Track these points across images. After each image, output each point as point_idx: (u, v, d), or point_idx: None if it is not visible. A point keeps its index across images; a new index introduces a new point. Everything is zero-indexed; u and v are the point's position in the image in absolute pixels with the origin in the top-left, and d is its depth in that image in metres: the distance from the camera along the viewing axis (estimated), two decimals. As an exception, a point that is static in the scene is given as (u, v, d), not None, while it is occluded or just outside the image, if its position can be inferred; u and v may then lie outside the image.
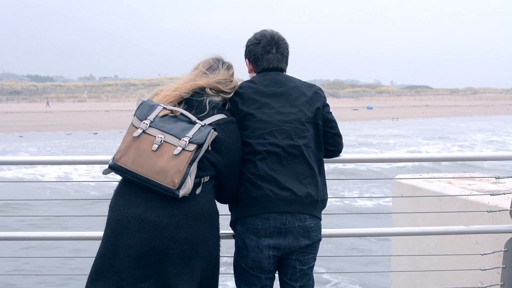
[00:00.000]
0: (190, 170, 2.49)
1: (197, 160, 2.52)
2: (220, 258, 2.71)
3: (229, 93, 2.82)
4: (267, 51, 2.91)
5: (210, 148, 2.59)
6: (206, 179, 2.62)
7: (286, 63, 2.99)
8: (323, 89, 3.03)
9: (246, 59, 2.99)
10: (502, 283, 3.45)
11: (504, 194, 3.58)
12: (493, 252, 3.48)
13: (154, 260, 2.47)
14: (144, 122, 2.54)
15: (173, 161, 2.47)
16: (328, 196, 2.90)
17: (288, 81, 2.90)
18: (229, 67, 2.86)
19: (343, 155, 3.08)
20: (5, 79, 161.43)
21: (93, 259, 2.55)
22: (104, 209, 2.68)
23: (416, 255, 4.48)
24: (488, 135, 36.28)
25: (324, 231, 2.87)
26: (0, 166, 19.62)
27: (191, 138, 2.51)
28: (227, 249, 2.88)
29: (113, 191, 2.62)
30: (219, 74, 2.79)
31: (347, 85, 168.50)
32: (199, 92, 2.72)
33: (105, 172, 2.62)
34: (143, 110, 2.59)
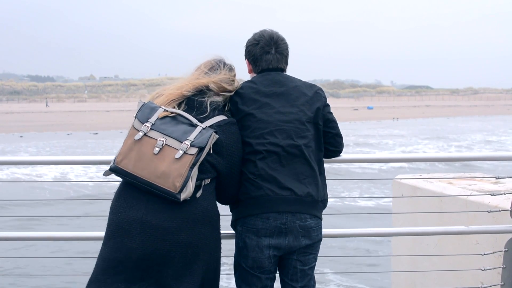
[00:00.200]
0: (192, 174, 2.49)
1: (198, 163, 2.52)
2: (221, 258, 2.71)
3: (232, 91, 2.81)
4: (266, 51, 2.91)
5: (211, 151, 2.59)
6: (207, 181, 2.61)
7: (286, 63, 2.98)
8: (324, 89, 3.03)
9: (246, 60, 2.99)
10: (503, 283, 3.45)
11: (504, 194, 3.58)
12: (493, 252, 3.48)
13: (155, 263, 2.47)
14: (145, 125, 2.54)
15: (174, 165, 2.46)
16: (328, 196, 2.90)
17: (289, 81, 2.90)
18: (231, 68, 2.87)
19: (343, 155, 3.08)
20: (5, 79, 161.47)
21: (94, 260, 2.55)
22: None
23: (416, 255, 4.48)
24: (486, 135, 36.29)
25: (324, 231, 2.87)
26: None
27: (192, 142, 2.50)
28: (227, 250, 2.88)
29: (108, 191, 2.62)
30: (221, 74, 2.79)
31: (347, 85, 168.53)
32: (202, 91, 2.72)
33: (106, 174, 2.62)
34: (144, 113, 2.59)
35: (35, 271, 7.96)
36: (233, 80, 2.83)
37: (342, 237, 4.31)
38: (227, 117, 2.74)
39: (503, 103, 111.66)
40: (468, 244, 3.89)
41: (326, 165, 2.94)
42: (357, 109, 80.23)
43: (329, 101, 2.96)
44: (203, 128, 2.56)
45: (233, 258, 2.86)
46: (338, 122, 2.99)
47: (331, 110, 2.96)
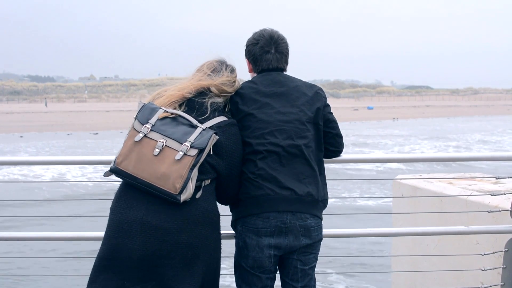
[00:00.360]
0: (192, 175, 2.49)
1: (198, 164, 2.52)
2: (221, 259, 2.71)
3: (232, 92, 2.82)
4: (265, 51, 2.91)
5: (211, 152, 2.59)
6: (207, 182, 2.61)
7: (286, 62, 2.98)
8: (324, 89, 3.03)
9: (246, 59, 2.99)
10: (503, 283, 3.45)
11: (504, 194, 3.58)
12: (493, 253, 3.48)
13: (156, 264, 2.47)
14: (145, 126, 2.54)
15: (174, 166, 2.46)
16: (329, 196, 2.90)
17: (289, 81, 2.90)
18: (232, 70, 2.87)
19: (343, 155, 3.08)
20: (5, 79, 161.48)
21: (93, 259, 2.55)
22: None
23: (416, 256, 4.48)
24: (484, 135, 36.30)
25: (324, 231, 2.87)
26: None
27: (192, 143, 2.50)
28: (227, 250, 2.88)
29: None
30: (223, 76, 2.79)
31: (347, 85, 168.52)
32: (203, 92, 2.72)
33: (106, 175, 2.62)
34: (144, 114, 2.59)
35: (35, 272, 7.95)
36: (234, 82, 2.84)
37: (342, 237, 4.30)
38: (227, 118, 2.74)
39: (503, 103, 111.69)
40: (468, 244, 3.89)
41: (326, 165, 2.94)
42: (357, 109, 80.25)
43: (329, 101, 2.96)
44: (203, 129, 2.56)
45: (233, 258, 2.86)
46: (338, 122, 2.99)
47: (331, 110, 2.96)
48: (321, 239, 2.83)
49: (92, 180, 16.25)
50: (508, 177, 3.61)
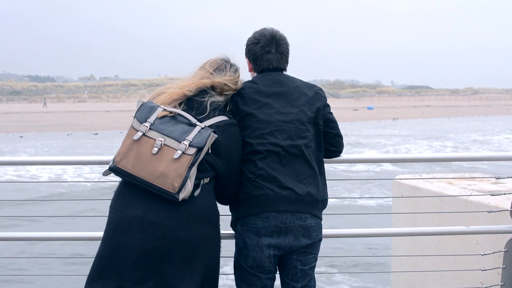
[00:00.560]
0: (190, 174, 2.49)
1: (197, 163, 2.52)
2: (221, 258, 2.71)
3: (234, 91, 2.81)
4: (266, 51, 2.90)
5: (209, 151, 2.59)
6: (206, 180, 2.61)
7: (287, 62, 2.98)
8: (324, 89, 3.03)
9: (247, 58, 2.99)
10: (503, 283, 3.45)
11: (504, 194, 3.58)
12: (493, 253, 3.48)
13: (155, 261, 2.47)
14: (144, 125, 2.54)
15: (173, 165, 2.46)
16: (329, 196, 2.90)
17: (289, 81, 2.90)
18: (236, 70, 2.87)
19: (343, 155, 3.08)
20: (5, 79, 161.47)
21: (92, 259, 2.55)
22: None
23: (416, 256, 4.48)
24: (480, 135, 36.33)
25: (324, 231, 2.87)
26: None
27: (191, 142, 2.50)
28: (227, 249, 2.88)
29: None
30: (226, 76, 2.79)
31: (347, 85, 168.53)
32: (204, 90, 2.72)
33: (105, 174, 2.62)
34: (143, 112, 2.59)
35: (35, 272, 7.96)
36: (237, 81, 2.83)
37: (342, 237, 4.31)
38: (228, 118, 2.74)
39: (503, 103, 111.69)
40: (468, 244, 3.88)
41: (326, 165, 2.94)
42: (357, 109, 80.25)
43: (329, 101, 2.97)
44: (202, 128, 2.56)
45: (233, 258, 2.86)
46: (338, 122, 2.99)
47: (331, 110, 2.96)
48: (321, 239, 2.82)
49: (90, 180, 16.25)
50: (508, 177, 3.61)
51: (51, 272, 7.82)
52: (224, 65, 2.83)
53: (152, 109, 2.60)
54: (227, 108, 2.83)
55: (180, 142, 2.50)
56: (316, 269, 2.86)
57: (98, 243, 2.59)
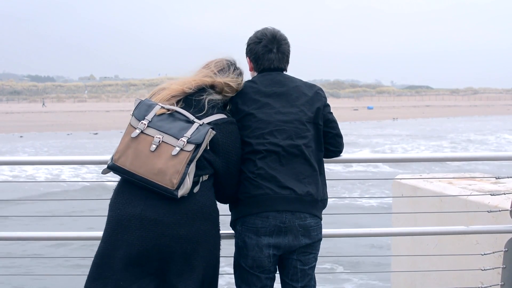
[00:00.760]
0: (189, 170, 2.49)
1: (195, 160, 2.52)
2: (221, 258, 2.71)
3: (232, 94, 2.81)
4: (268, 50, 2.90)
5: (208, 147, 2.59)
6: (205, 177, 2.61)
7: (287, 63, 2.98)
8: (324, 89, 3.03)
9: (247, 58, 2.98)
10: (503, 283, 3.45)
11: (504, 194, 3.57)
12: (493, 252, 3.48)
13: (155, 258, 2.48)
14: (142, 122, 2.54)
15: (171, 162, 2.47)
16: (329, 196, 2.90)
17: (289, 81, 2.90)
18: (240, 73, 2.86)
19: (343, 155, 3.08)
20: (5, 79, 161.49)
21: (92, 258, 2.55)
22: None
23: (416, 255, 4.48)
24: (479, 134, 36.36)
25: (324, 231, 2.87)
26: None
27: (189, 138, 2.50)
28: (227, 250, 2.88)
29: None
30: (228, 77, 2.78)
31: (347, 85, 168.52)
32: (202, 89, 2.72)
33: (104, 172, 2.63)
34: (141, 110, 2.59)
35: (34, 271, 7.96)
36: (239, 84, 2.83)
37: (342, 237, 4.31)
38: (226, 116, 2.74)
39: (503, 103, 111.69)
40: (468, 244, 3.88)
41: (326, 165, 2.94)
42: (357, 109, 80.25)
43: (329, 101, 2.96)
44: (200, 125, 2.56)
45: (232, 258, 2.86)
46: (338, 122, 2.99)
47: (331, 110, 2.96)
48: (321, 239, 2.82)
49: (87, 180, 16.25)
50: (508, 177, 3.61)
51: (50, 272, 7.82)
52: (228, 67, 2.83)
53: (150, 107, 2.60)
54: (227, 108, 2.83)
55: (178, 139, 2.50)
56: (320, 267, 2.86)
57: (98, 242, 2.59)
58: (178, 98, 2.68)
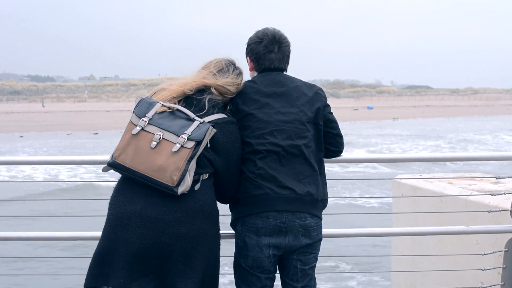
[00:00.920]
0: (189, 167, 2.49)
1: (196, 157, 2.52)
2: (221, 258, 2.71)
3: (233, 94, 2.81)
4: (269, 50, 2.91)
5: (208, 145, 2.59)
6: (205, 176, 2.61)
7: (288, 63, 2.98)
8: (324, 89, 3.03)
9: (248, 57, 2.98)
10: (503, 283, 3.45)
11: (504, 194, 3.57)
12: (493, 252, 3.48)
13: (155, 257, 2.47)
14: (142, 120, 2.54)
15: (171, 158, 2.47)
16: (329, 196, 2.90)
17: (289, 81, 2.90)
18: (240, 73, 2.87)
19: (343, 155, 3.08)
20: (5, 79, 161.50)
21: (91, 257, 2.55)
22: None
23: (416, 255, 4.48)
24: (478, 134, 36.39)
25: (324, 231, 2.87)
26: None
27: (189, 135, 2.50)
28: (227, 249, 2.88)
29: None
30: (228, 78, 2.78)
31: (347, 85, 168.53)
32: (202, 90, 2.72)
33: (104, 170, 2.63)
34: (141, 108, 2.59)
35: (34, 271, 7.95)
36: (239, 84, 2.83)
37: (342, 237, 4.30)
38: (226, 115, 2.74)
39: (503, 103, 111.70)
40: (468, 244, 3.88)
41: (325, 165, 2.94)
42: (357, 109, 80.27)
43: (329, 101, 2.96)
44: (200, 123, 2.56)
45: (233, 258, 2.86)
46: (338, 122, 2.99)
47: (331, 110, 2.96)
48: (321, 239, 2.82)
49: (84, 180, 16.24)
50: (508, 177, 3.61)
51: (49, 271, 7.82)
52: (228, 68, 2.83)
53: (151, 104, 2.60)
54: (227, 108, 2.83)
55: (179, 136, 2.50)
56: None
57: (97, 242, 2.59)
58: (179, 99, 2.68)
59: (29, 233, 3.74)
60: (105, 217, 2.59)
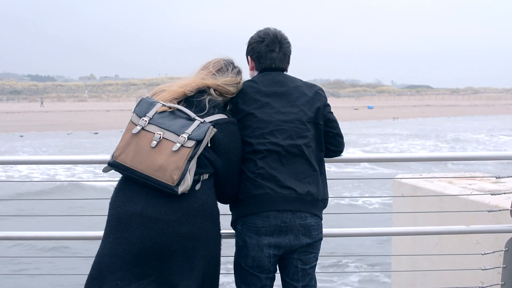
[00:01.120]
0: (189, 167, 2.49)
1: (196, 156, 2.52)
2: (222, 258, 2.71)
3: (233, 94, 2.82)
4: (271, 49, 2.91)
5: (209, 144, 2.59)
6: (206, 176, 2.61)
7: (288, 63, 2.99)
8: (324, 88, 3.04)
9: (248, 57, 2.99)
10: (503, 283, 3.45)
11: (504, 193, 3.58)
12: (493, 252, 3.48)
13: (155, 257, 2.47)
14: (143, 119, 2.54)
15: (172, 158, 2.47)
16: (329, 196, 2.90)
17: (289, 81, 2.91)
18: (239, 72, 2.87)
19: (343, 154, 3.08)
20: (5, 79, 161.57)
21: (88, 259, 2.55)
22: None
23: (416, 255, 4.48)
24: (477, 133, 36.44)
25: (324, 230, 2.87)
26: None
27: (190, 135, 2.51)
28: (227, 249, 2.88)
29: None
30: (227, 77, 2.79)
31: (347, 84, 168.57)
32: (202, 91, 2.72)
33: (105, 170, 2.63)
34: (142, 107, 2.60)
35: (32, 271, 7.96)
36: (238, 83, 2.84)
37: (342, 236, 4.31)
38: (227, 116, 2.74)
39: (503, 103, 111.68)
40: (468, 244, 3.88)
41: (326, 165, 2.94)
42: (357, 109, 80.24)
43: (330, 100, 2.97)
44: (201, 122, 2.57)
45: (233, 258, 2.86)
46: (338, 121, 2.99)
47: (331, 110, 2.96)
48: (321, 239, 2.83)
49: (82, 180, 16.25)
50: (508, 177, 3.61)
51: (49, 271, 7.82)
52: (226, 67, 2.83)
53: (151, 104, 2.60)
54: (227, 108, 2.83)
55: (179, 135, 2.50)
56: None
57: (98, 242, 2.59)
58: (179, 100, 2.68)
59: (29, 233, 3.74)
60: (105, 217, 2.59)
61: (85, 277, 2.53)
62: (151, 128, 2.53)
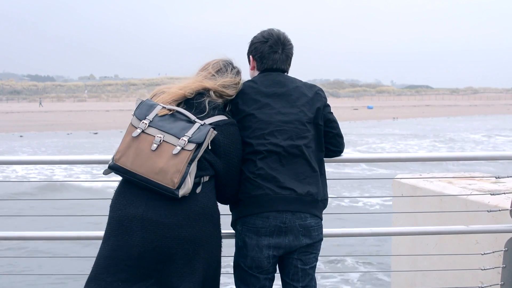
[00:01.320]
0: (190, 170, 2.48)
1: (196, 159, 2.52)
2: (222, 258, 2.71)
3: (232, 96, 2.82)
4: (274, 50, 2.91)
5: (209, 147, 2.59)
6: (206, 178, 2.61)
7: (289, 65, 3.00)
8: (324, 89, 3.04)
9: (250, 56, 2.99)
10: (502, 283, 3.45)
11: (504, 193, 3.58)
12: (493, 252, 3.48)
13: (156, 261, 2.47)
14: (143, 122, 2.54)
15: (172, 161, 2.46)
16: (329, 196, 2.90)
17: (289, 82, 2.91)
18: (238, 72, 2.87)
19: (343, 155, 3.09)
20: (5, 79, 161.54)
21: (87, 259, 2.55)
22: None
23: (416, 255, 4.48)
24: (476, 133, 36.49)
25: (324, 230, 2.87)
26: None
27: (190, 137, 2.50)
28: (227, 249, 2.88)
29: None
30: (227, 78, 2.79)
31: (347, 85, 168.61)
32: (202, 93, 2.72)
33: (105, 173, 2.62)
34: (142, 110, 2.59)
35: (32, 271, 7.95)
36: (237, 83, 2.84)
37: (342, 236, 4.30)
38: (227, 117, 2.74)
39: (503, 103, 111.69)
40: (468, 244, 3.89)
41: (326, 165, 2.94)
42: (357, 109, 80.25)
43: (329, 100, 2.97)
44: (201, 125, 2.56)
45: (232, 258, 2.86)
46: (338, 121, 2.99)
47: (331, 110, 2.96)
48: (322, 239, 2.83)
49: (80, 180, 16.24)
50: (508, 177, 3.61)
51: (48, 271, 7.82)
52: (225, 68, 2.83)
53: (151, 107, 2.60)
54: (227, 109, 2.83)
55: (179, 138, 2.50)
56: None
57: (99, 242, 2.59)
58: (179, 102, 2.68)
59: (29, 233, 3.74)
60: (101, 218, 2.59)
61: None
62: (151, 131, 2.52)
